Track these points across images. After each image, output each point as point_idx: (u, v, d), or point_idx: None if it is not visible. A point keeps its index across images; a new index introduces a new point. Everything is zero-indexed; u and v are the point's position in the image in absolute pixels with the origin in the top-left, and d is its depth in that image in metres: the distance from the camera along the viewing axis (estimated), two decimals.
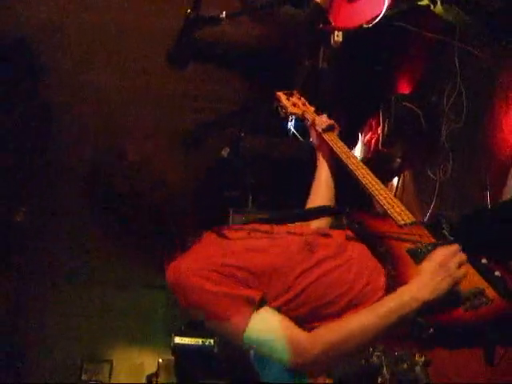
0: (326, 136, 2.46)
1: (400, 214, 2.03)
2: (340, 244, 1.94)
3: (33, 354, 7.45)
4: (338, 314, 1.75)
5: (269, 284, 1.78)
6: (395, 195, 4.71)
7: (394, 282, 1.73)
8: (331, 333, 1.69)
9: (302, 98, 2.72)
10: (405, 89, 4.42)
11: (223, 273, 1.76)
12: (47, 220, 7.20)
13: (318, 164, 2.50)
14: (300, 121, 2.64)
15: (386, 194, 2.15)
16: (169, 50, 2.50)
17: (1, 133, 6.00)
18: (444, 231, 1.91)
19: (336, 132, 2.51)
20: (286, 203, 2.59)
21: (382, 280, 1.79)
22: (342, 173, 2.40)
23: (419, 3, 3.01)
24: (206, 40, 3.35)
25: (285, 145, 4.79)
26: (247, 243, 1.90)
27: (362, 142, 4.73)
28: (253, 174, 4.83)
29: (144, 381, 6.74)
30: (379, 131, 4.33)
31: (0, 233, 6.40)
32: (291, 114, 2.62)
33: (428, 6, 2.93)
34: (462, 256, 1.71)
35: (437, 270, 1.66)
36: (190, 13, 2.29)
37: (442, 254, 1.71)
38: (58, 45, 5.92)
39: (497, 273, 1.76)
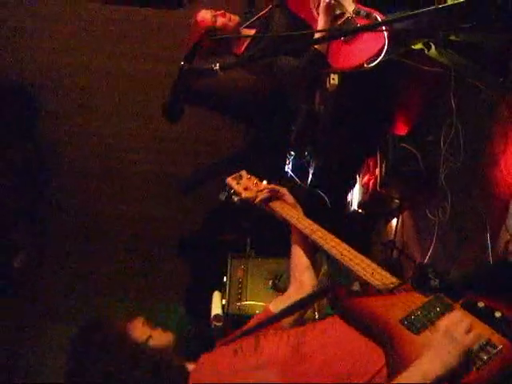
0: (280, 209, 2.43)
1: (381, 280, 1.93)
2: (324, 330, 1.87)
3: None
4: None
5: None
6: (395, 236, 4.69)
7: (395, 360, 1.64)
8: None
9: (252, 177, 2.67)
10: (402, 129, 4.43)
11: None
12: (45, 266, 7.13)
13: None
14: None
15: (362, 262, 2.04)
16: (163, 102, 2.49)
17: None
18: (432, 283, 1.84)
19: (289, 201, 2.47)
20: (285, 247, 2.53)
21: (382, 361, 1.70)
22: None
23: (413, 47, 3.03)
24: (200, 88, 3.35)
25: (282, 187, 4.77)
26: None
27: (360, 183, 4.72)
28: (250, 218, 4.80)
29: None
30: (377, 172, 4.32)
31: None
32: (245, 198, 2.56)
33: (422, 49, 2.94)
34: (467, 321, 1.64)
35: (445, 342, 1.58)
36: (183, 65, 2.29)
37: (447, 323, 1.64)
38: (56, 88, 5.97)
39: (497, 314, 1.69)
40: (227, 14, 3.36)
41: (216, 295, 4.59)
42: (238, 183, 2.61)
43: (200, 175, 5.33)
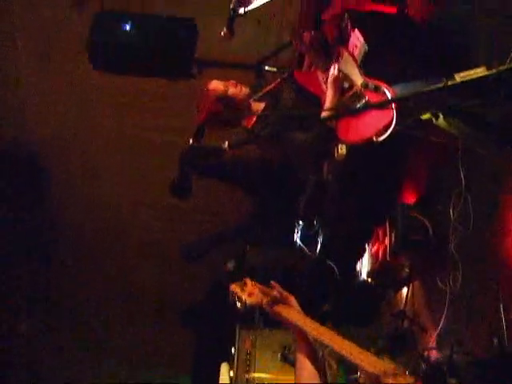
0: (286, 313, 2.41)
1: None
2: None
3: None
4: None
5: None
6: (405, 306, 4.64)
7: None
8: None
9: (257, 284, 2.62)
10: (410, 198, 4.42)
11: None
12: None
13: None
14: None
15: (369, 358, 2.01)
16: (171, 181, 2.50)
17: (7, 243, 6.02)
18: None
19: (294, 306, 2.46)
20: None
21: None
22: None
23: (422, 117, 3.05)
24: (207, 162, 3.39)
25: (291, 257, 4.75)
26: None
27: (369, 252, 4.69)
28: None
29: None
30: (386, 241, 4.30)
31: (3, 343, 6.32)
32: (249, 305, 2.52)
33: (430, 119, 2.96)
34: None
35: None
36: (192, 143, 2.31)
37: None
38: (65, 158, 6.04)
39: None
40: (238, 85, 3.41)
41: (224, 366, 4.52)
42: (242, 289, 2.57)
43: (206, 244, 5.32)
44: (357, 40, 3.70)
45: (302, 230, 4.60)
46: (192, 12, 4.78)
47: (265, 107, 3.44)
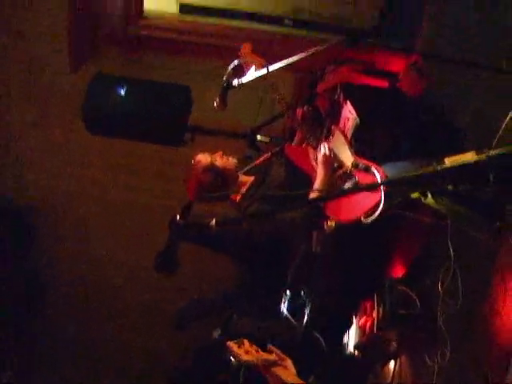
0: (282, 373, 2.44)
1: None
2: None
3: None
4: None
5: None
6: (392, 380, 4.57)
7: None
8: None
9: (254, 345, 2.63)
10: (398, 272, 4.41)
11: None
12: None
13: None
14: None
15: None
16: (156, 257, 2.50)
17: None
18: None
19: (290, 369, 2.48)
20: None
21: None
22: None
23: (413, 195, 3.08)
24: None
25: (277, 328, 4.70)
26: None
27: (357, 325, 4.64)
28: None
29: None
30: (374, 315, 4.26)
31: None
32: (244, 362, 2.52)
33: (419, 198, 2.99)
34: None
35: None
36: (178, 220, 2.30)
37: None
38: (56, 217, 6.02)
39: None
40: (225, 156, 3.43)
41: None
42: (239, 347, 2.56)
43: (193, 311, 5.26)
44: (349, 112, 3.75)
45: (289, 301, 4.56)
46: (187, 79, 4.85)
47: (253, 182, 3.45)
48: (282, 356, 2.54)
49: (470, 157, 1.98)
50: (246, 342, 2.61)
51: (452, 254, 3.58)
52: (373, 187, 2.79)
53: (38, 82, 5.37)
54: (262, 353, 2.56)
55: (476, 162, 1.94)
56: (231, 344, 2.59)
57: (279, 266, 3.98)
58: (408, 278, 4.29)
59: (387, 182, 2.89)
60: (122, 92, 4.24)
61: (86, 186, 5.81)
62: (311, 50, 3.00)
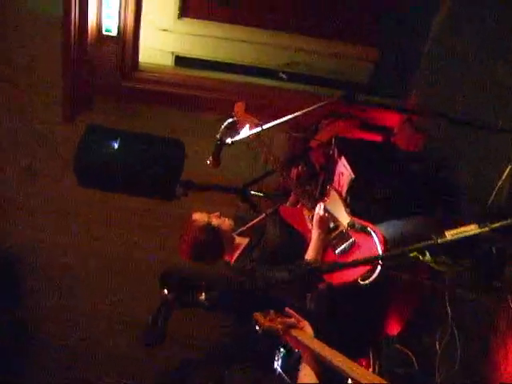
0: (302, 336, 2.55)
1: None
2: None
3: None
4: None
5: None
6: None
7: None
8: None
9: (279, 314, 2.74)
10: (394, 329, 4.33)
11: None
12: None
13: None
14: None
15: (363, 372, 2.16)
16: (144, 331, 2.44)
17: None
18: None
19: (308, 331, 2.61)
20: None
21: None
22: None
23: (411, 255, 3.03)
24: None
25: (270, 382, 4.61)
26: None
27: (353, 382, 4.54)
28: None
29: None
30: (370, 370, 4.17)
31: None
32: (267, 328, 2.63)
33: (417, 257, 2.94)
34: None
35: None
36: (167, 295, 2.23)
37: None
38: (43, 270, 5.94)
39: None
40: (222, 217, 3.38)
41: None
42: (264, 317, 2.68)
43: (186, 368, 5.16)
44: (343, 168, 3.73)
45: (283, 358, 4.48)
46: (181, 132, 4.83)
47: (248, 243, 3.39)
48: (300, 318, 2.68)
49: (471, 229, 1.94)
50: (271, 312, 2.75)
51: (450, 313, 3.52)
52: (371, 261, 2.80)
53: (29, 131, 5.33)
54: (284, 318, 2.68)
55: (477, 235, 1.91)
56: (257, 315, 2.73)
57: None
58: (405, 336, 4.22)
59: (386, 257, 2.88)
60: (116, 145, 4.19)
61: (75, 239, 5.74)
62: (306, 109, 2.99)
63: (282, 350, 4.49)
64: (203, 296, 2.12)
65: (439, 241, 1.95)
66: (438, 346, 3.67)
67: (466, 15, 4.51)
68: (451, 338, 3.55)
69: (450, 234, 1.96)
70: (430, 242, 1.99)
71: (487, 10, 4.13)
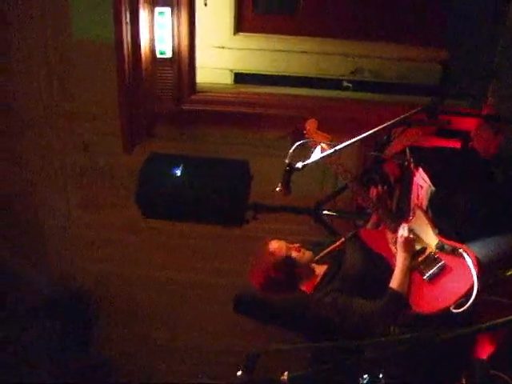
0: None
1: None
2: None
3: None
4: None
5: None
6: None
7: None
8: None
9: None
10: (484, 353, 4.02)
11: None
12: None
13: None
14: None
15: None
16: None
17: None
18: None
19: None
20: None
21: None
22: None
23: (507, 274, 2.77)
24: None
25: None
26: None
27: None
28: None
29: None
30: None
31: None
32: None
33: None
34: None
35: None
36: (241, 376, 1.96)
37: None
38: (109, 297, 5.90)
39: None
40: (302, 249, 3.11)
41: None
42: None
43: None
44: (421, 180, 3.47)
45: None
46: (245, 152, 4.65)
47: (327, 270, 3.12)
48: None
49: None
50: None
51: None
52: None
53: (91, 164, 5.27)
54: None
55: None
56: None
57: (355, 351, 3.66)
58: (498, 359, 3.90)
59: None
60: (178, 172, 4.02)
61: (141, 267, 5.67)
62: (382, 126, 2.75)
63: (365, 376, 4.26)
64: (285, 376, 1.84)
65: None
66: None
67: None
68: None
69: None
70: None
71: None
